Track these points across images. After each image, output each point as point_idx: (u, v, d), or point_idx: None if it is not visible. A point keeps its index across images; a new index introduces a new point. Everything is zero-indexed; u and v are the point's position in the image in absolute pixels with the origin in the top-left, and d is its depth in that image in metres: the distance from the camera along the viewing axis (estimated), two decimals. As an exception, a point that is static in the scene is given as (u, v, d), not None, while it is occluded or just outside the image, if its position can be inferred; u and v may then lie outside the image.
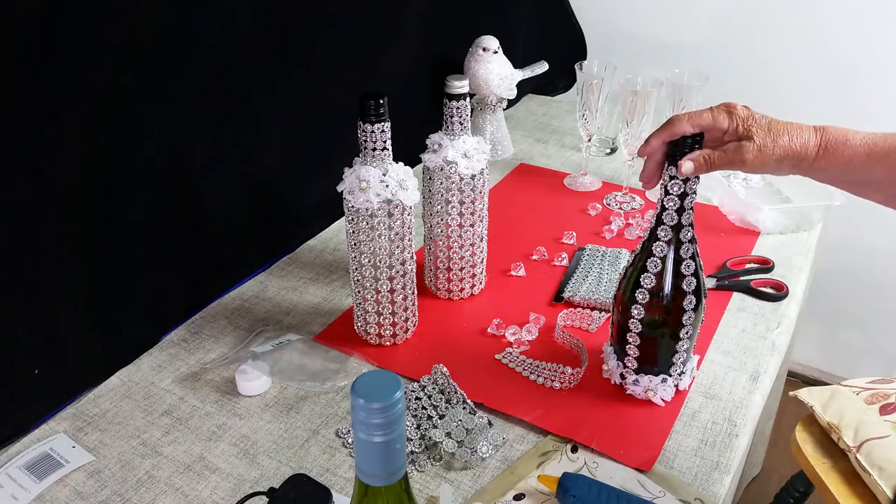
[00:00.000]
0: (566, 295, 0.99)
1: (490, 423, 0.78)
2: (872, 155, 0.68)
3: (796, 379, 2.01)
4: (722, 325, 0.94)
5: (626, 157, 1.21)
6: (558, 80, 1.72)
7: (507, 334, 0.91)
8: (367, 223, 0.81)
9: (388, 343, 0.90)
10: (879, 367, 1.88)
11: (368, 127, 0.78)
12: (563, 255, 1.07)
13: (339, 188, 0.82)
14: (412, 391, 0.82)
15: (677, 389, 0.82)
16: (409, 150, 0.95)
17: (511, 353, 0.88)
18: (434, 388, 0.82)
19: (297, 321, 0.96)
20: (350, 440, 0.77)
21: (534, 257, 1.08)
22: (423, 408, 0.80)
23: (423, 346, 0.91)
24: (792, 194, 1.23)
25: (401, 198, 0.81)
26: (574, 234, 1.13)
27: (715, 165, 0.71)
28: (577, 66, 1.20)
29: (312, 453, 0.76)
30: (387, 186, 0.80)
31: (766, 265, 1.06)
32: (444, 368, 0.83)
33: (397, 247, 0.84)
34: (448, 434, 0.75)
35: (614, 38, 1.77)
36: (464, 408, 0.79)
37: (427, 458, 0.75)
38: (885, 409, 1.08)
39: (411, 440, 0.76)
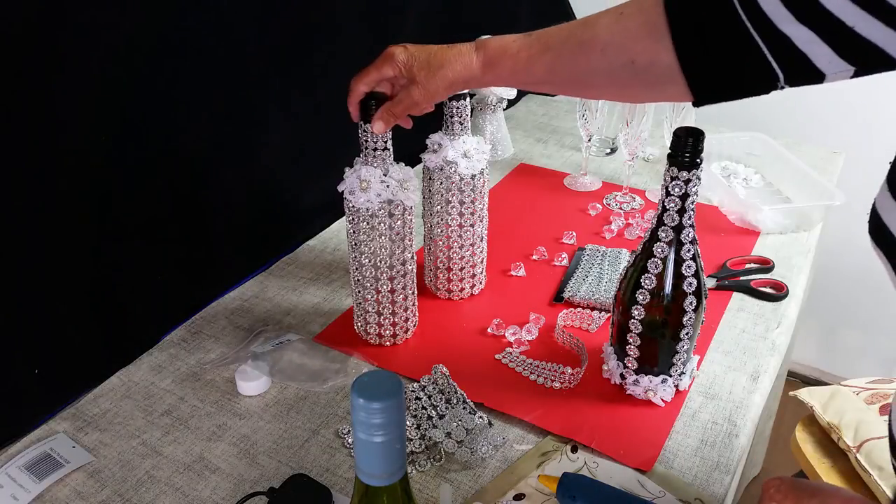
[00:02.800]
0: (566, 295, 0.99)
1: (490, 423, 0.78)
2: (531, 57, 0.71)
3: (796, 379, 2.01)
4: (722, 326, 0.94)
5: (626, 157, 1.21)
6: (558, 81, 1.72)
7: (507, 334, 0.91)
8: (368, 223, 0.81)
9: (388, 343, 0.90)
10: (879, 367, 1.88)
11: (369, 127, 0.78)
12: (563, 255, 1.07)
13: (340, 188, 0.82)
14: (412, 391, 0.82)
15: (677, 389, 0.82)
16: (409, 150, 0.95)
17: (511, 353, 0.88)
18: (434, 388, 0.82)
19: (297, 321, 0.96)
20: (350, 440, 0.77)
21: (534, 257, 1.08)
22: (423, 408, 0.80)
23: (423, 346, 0.91)
24: (792, 194, 1.23)
25: (401, 198, 0.81)
26: (574, 234, 1.13)
27: (398, 116, 0.76)
28: (577, 66, 1.20)
29: (312, 453, 0.76)
30: (387, 187, 0.80)
31: (766, 265, 1.06)
32: (444, 368, 0.83)
33: (398, 247, 0.84)
34: (448, 434, 0.75)
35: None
36: (464, 408, 0.79)
37: (427, 458, 0.75)
38: (885, 409, 1.08)
39: (411, 440, 0.76)
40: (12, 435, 0.77)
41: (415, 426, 0.78)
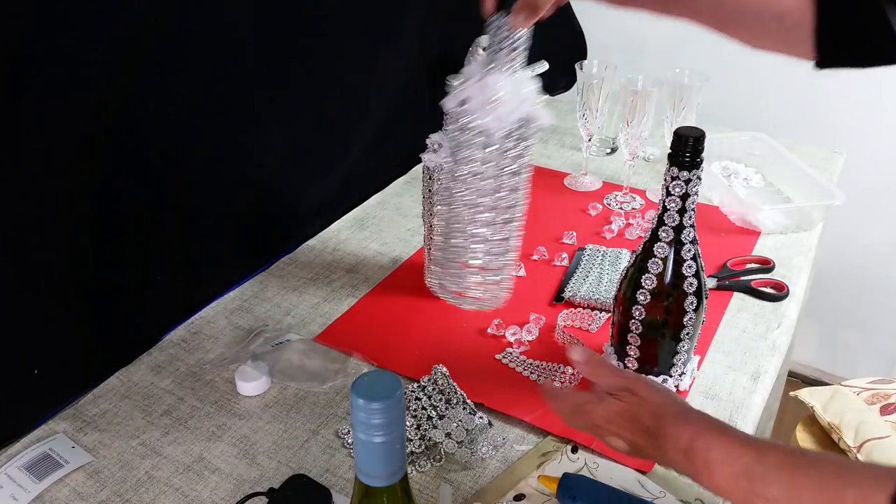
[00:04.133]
0: (566, 295, 0.98)
1: (490, 424, 0.78)
2: None
3: (797, 379, 2.01)
4: (722, 326, 0.94)
5: (626, 156, 1.21)
6: (558, 80, 1.72)
7: (507, 334, 0.91)
8: (501, 147, 0.61)
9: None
10: (879, 367, 1.88)
11: (505, 17, 0.61)
12: (563, 255, 1.07)
13: (449, 104, 0.63)
14: (412, 391, 0.82)
15: (678, 390, 0.82)
16: (409, 150, 0.94)
17: (511, 353, 0.88)
18: (434, 389, 0.82)
19: (297, 321, 0.95)
20: (350, 440, 0.77)
21: (534, 257, 1.08)
22: (423, 408, 0.80)
23: (423, 346, 0.91)
24: (792, 194, 1.23)
25: (537, 116, 0.63)
26: (574, 234, 1.13)
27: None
28: (577, 66, 1.20)
29: (312, 453, 0.76)
30: (522, 102, 0.61)
31: (766, 265, 1.06)
32: (444, 368, 0.83)
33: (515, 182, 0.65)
34: (448, 434, 0.75)
35: (614, 38, 1.77)
36: (464, 408, 0.79)
37: (427, 458, 0.75)
38: (885, 410, 1.08)
39: (411, 440, 0.76)
40: (12, 435, 0.77)
41: (415, 426, 0.78)
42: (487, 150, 0.61)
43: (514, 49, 0.61)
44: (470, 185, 0.66)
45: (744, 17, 0.67)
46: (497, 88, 0.60)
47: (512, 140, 0.61)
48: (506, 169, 0.63)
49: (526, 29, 0.61)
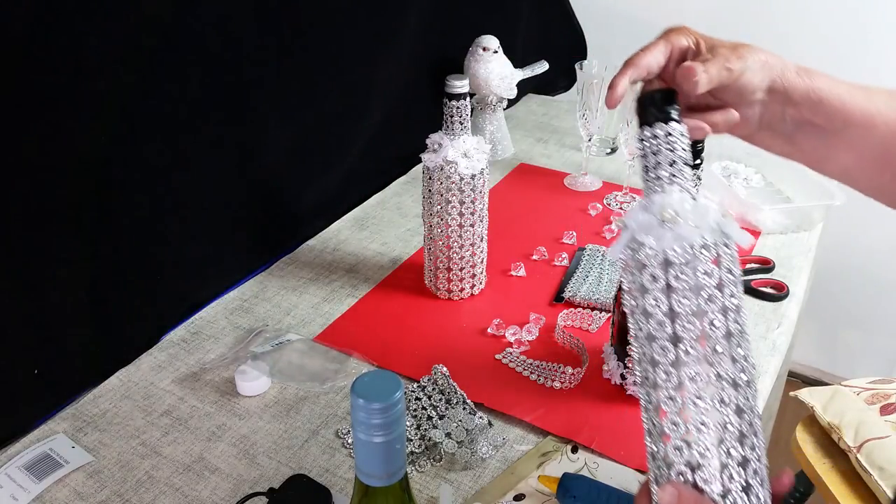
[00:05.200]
0: (566, 295, 0.98)
1: (490, 424, 0.78)
2: (852, 87, 0.59)
3: (797, 379, 2.01)
4: (722, 326, 0.94)
5: (626, 156, 1.21)
6: (558, 80, 1.72)
7: (507, 334, 0.91)
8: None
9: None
10: (879, 367, 1.88)
11: (665, 127, 0.50)
12: (563, 255, 1.07)
13: (622, 240, 0.49)
14: (412, 391, 0.82)
15: (678, 390, 0.82)
16: (409, 150, 0.94)
17: (511, 353, 0.88)
18: (434, 389, 0.82)
19: (297, 321, 0.95)
20: (350, 440, 0.77)
21: (534, 257, 1.08)
22: (423, 408, 0.80)
23: (423, 346, 0.91)
24: (792, 194, 1.23)
25: (731, 232, 0.50)
26: (574, 234, 1.13)
27: (712, 81, 0.56)
28: (577, 66, 1.20)
29: (312, 453, 0.76)
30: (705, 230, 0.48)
31: (766, 265, 1.06)
32: (444, 368, 0.83)
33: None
34: (448, 434, 0.75)
35: (614, 38, 1.77)
36: (464, 408, 0.79)
37: (427, 458, 0.75)
38: (885, 410, 1.08)
39: (411, 440, 0.76)
40: (12, 435, 0.77)
41: (415, 426, 0.78)
42: (678, 280, 0.46)
43: (675, 162, 0.50)
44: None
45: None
46: (669, 205, 0.48)
47: (704, 262, 0.46)
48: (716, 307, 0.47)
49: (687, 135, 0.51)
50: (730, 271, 0.48)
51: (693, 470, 0.43)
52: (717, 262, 0.47)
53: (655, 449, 0.45)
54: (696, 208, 0.48)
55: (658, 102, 0.51)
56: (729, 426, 0.44)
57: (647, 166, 0.50)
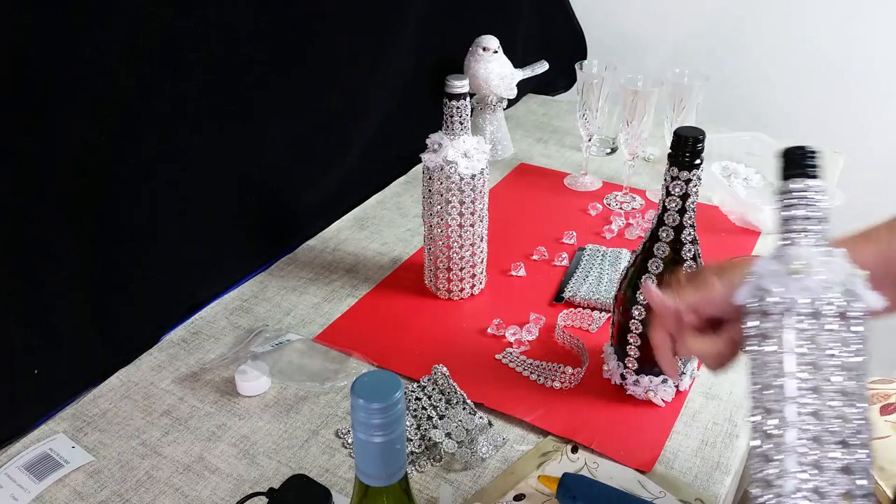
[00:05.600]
0: (566, 295, 0.98)
1: (490, 424, 0.78)
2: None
3: (796, 379, 2.00)
4: (722, 326, 0.94)
5: (626, 156, 1.21)
6: (558, 80, 1.72)
7: (507, 334, 0.91)
8: None
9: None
10: (879, 367, 1.88)
11: None
12: (563, 255, 1.07)
13: None
14: (412, 391, 0.82)
15: (678, 390, 0.82)
16: (409, 150, 0.94)
17: (511, 353, 0.88)
18: (434, 389, 0.82)
19: (297, 321, 0.95)
20: (350, 440, 0.77)
21: (534, 257, 1.08)
22: (423, 408, 0.80)
23: (423, 346, 0.91)
24: (792, 194, 1.22)
25: None
26: (574, 234, 1.13)
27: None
28: (577, 66, 1.20)
29: (312, 453, 0.76)
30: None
31: (766, 265, 1.05)
32: (444, 368, 0.83)
33: None
34: (448, 434, 0.75)
35: (614, 38, 1.77)
36: (464, 408, 0.79)
37: (427, 458, 0.75)
38: (885, 410, 1.08)
39: (411, 440, 0.76)
40: (12, 435, 0.77)
41: (415, 426, 0.78)
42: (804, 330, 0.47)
43: (809, 218, 0.52)
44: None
45: None
46: (800, 257, 0.49)
47: (829, 315, 0.47)
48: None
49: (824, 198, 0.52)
50: (856, 330, 0.48)
51: None
52: (843, 317, 0.47)
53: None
54: (827, 264, 0.48)
55: (799, 158, 0.52)
56: (832, 486, 0.44)
57: (783, 218, 0.51)
